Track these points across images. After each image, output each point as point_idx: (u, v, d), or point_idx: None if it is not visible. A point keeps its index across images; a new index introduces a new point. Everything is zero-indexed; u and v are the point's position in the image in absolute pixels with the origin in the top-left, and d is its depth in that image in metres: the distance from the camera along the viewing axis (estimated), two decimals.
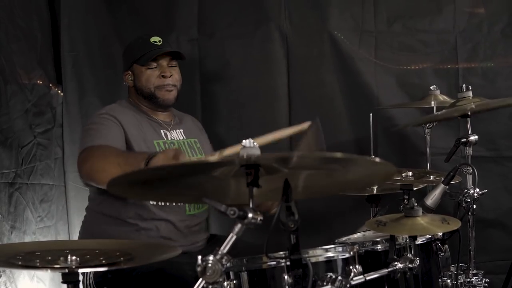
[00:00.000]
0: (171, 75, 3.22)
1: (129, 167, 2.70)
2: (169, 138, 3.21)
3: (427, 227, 2.38)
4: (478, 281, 2.97)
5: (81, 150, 3.00)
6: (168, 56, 3.24)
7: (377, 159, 1.87)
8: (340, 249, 2.27)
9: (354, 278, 2.19)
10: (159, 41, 3.24)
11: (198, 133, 3.45)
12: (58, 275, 2.16)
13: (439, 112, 3.44)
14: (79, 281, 1.89)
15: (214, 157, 2.72)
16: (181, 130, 3.31)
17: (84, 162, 2.94)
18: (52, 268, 1.87)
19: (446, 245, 2.74)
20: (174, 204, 3.08)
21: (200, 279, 1.83)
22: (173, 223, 3.10)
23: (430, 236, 2.62)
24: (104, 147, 2.94)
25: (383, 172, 2.05)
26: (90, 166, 2.90)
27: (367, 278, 2.23)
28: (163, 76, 3.21)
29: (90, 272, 3.00)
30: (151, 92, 3.20)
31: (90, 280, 3.03)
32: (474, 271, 3.00)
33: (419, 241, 2.52)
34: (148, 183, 1.96)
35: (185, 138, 3.30)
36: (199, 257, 1.82)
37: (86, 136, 3.05)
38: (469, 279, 2.95)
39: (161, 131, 3.21)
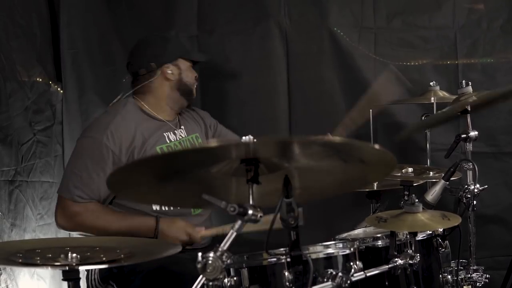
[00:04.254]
0: None
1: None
2: (172, 140, 3.20)
3: (428, 223, 2.39)
4: (479, 277, 2.97)
5: (71, 198, 2.99)
6: None
7: (377, 146, 1.87)
8: (341, 245, 2.27)
9: (355, 275, 2.19)
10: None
11: (200, 126, 3.44)
12: (58, 273, 2.16)
13: (440, 112, 3.43)
14: (80, 278, 1.89)
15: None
16: (183, 127, 3.31)
17: (76, 218, 3.00)
18: (53, 266, 1.87)
19: (447, 241, 2.74)
20: (178, 208, 3.09)
21: (201, 276, 1.83)
22: None
23: (430, 232, 2.62)
24: (100, 208, 3.03)
25: (383, 164, 2.04)
26: (81, 225, 3.01)
27: (368, 274, 2.23)
28: (195, 77, 3.31)
29: (95, 268, 3.02)
30: (191, 89, 3.29)
31: (95, 276, 3.04)
32: (475, 267, 3.00)
33: (420, 237, 2.52)
34: (147, 184, 1.96)
35: (186, 135, 3.30)
36: (200, 254, 1.82)
37: (77, 179, 3.01)
38: (469, 275, 2.95)
39: (164, 134, 3.19)
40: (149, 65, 3.21)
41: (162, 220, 3.00)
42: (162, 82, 3.22)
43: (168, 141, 3.18)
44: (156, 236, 2.98)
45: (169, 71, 3.21)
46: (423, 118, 3.67)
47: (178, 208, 3.08)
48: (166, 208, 3.07)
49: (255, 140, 1.79)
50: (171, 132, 3.22)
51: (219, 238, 2.96)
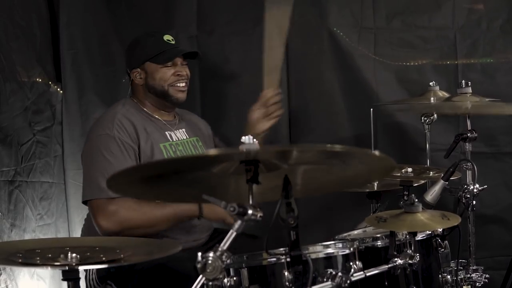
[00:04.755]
0: (185, 74, 3.25)
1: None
2: (174, 139, 3.21)
3: (427, 223, 2.39)
4: (478, 277, 2.97)
5: (106, 198, 2.90)
6: (181, 55, 3.27)
7: (377, 153, 1.87)
8: (340, 245, 2.27)
9: (354, 274, 2.19)
10: (172, 40, 3.27)
11: (201, 131, 3.45)
12: (58, 273, 2.16)
13: (438, 102, 3.44)
14: (79, 278, 1.89)
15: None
16: (184, 130, 3.32)
17: (116, 217, 2.91)
18: (52, 266, 1.86)
19: (446, 241, 2.74)
20: None
21: (200, 276, 1.83)
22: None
23: (430, 232, 2.62)
24: (130, 201, 2.94)
25: (383, 167, 2.05)
26: (128, 221, 2.92)
27: (367, 274, 2.24)
28: (178, 75, 3.22)
29: (93, 268, 3.02)
30: (165, 90, 3.20)
31: (93, 275, 3.04)
32: (474, 267, 3.00)
33: (419, 237, 2.52)
34: (146, 181, 1.96)
35: (188, 137, 3.30)
36: (199, 253, 1.82)
37: (102, 178, 2.91)
38: (469, 275, 2.95)
39: (166, 132, 3.21)
40: (126, 70, 3.30)
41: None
42: (136, 86, 3.26)
43: (171, 140, 3.19)
44: (201, 214, 2.99)
45: (138, 76, 3.23)
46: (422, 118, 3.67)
47: None
48: None
49: (254, 143, 1.80)
50: (172, 132, 3.23)
51: (218, 238, 2.98)
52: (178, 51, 3.25)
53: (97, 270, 3.04)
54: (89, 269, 3.05)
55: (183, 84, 3.24)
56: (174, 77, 3.22)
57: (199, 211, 2.99)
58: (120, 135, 3.02)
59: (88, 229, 3.22)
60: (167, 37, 3.26)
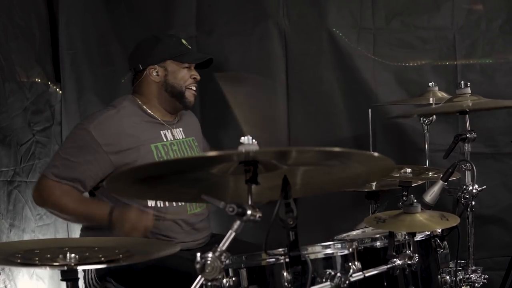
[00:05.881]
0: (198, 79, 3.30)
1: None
2: (169, 139, 3.20)
3: (426, 223, 2.38)
4: (477, 277, 2.96)
5: (46, 174, 3.04)
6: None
7: (376, 154, 1.87)
8: (339, 245, 2.27)
9: (353, 275, 2.19)
10: (188, 45, 3.34)
11: (196, 130, 3.46)
12: (57, 273, 2.16)
13: (437, 106, 3.44)
14: (78, 278, 1.89)
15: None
16: (181, 129, 3.32)
17: (44, 192, 3.04)
18: (51, 266, 1.87)
19: (445, 242, 2.74)
20: (174, 204, 3.09)
21: (199, 276, 1.83)
22: (176, 222, 3.10)
23: (429, 233, 2.62)
24: (68, 189, 3.01)
25: (382, 168, 2.05)
26: (47, 200, 3.05)
27: (366, 274, 2.23)
28: (194, 78, 3.27)
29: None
30: (182, 91, 3.23)
31: (92, 274, 3.04)
32: (473, 268, 2.99)
33: (418, 237, 2.52)
34: (146, 181, 1.96)
35: (184, 137, 3.30)
36: (198, 254, 1.82)
37: (58, 159, 3.07)
38: (468, 276, 2.94)
39: (161, 132, 3.20)
40: (137, 66, 3.26)
41: (116, 210, 2.93)
42: (149, 83, 3.23)
43: (165, 139, 3.18)
44: (110, 226, 2.92)
45: (154, 73, 3.22)
46: (422, 118, 3.67)
47: (174, 204, 3.09)
48: (161, 205, 3.07)
49: (253, 144, 1.80)
50: (168, 131, 3.22)
51: (218, 238, 2.97)
52: (202, 55, 3.35)
53: (96, 269, 3.04)
54: (88, 269, 3.05)
55: (195, 89, 3.29)
56: (191, 80, 3.26)
57: (108, 222, 2.93)
58: (94, 131, 3.03)
59: (86, 229, 3.22)
60: (184, 42, 3.33)
